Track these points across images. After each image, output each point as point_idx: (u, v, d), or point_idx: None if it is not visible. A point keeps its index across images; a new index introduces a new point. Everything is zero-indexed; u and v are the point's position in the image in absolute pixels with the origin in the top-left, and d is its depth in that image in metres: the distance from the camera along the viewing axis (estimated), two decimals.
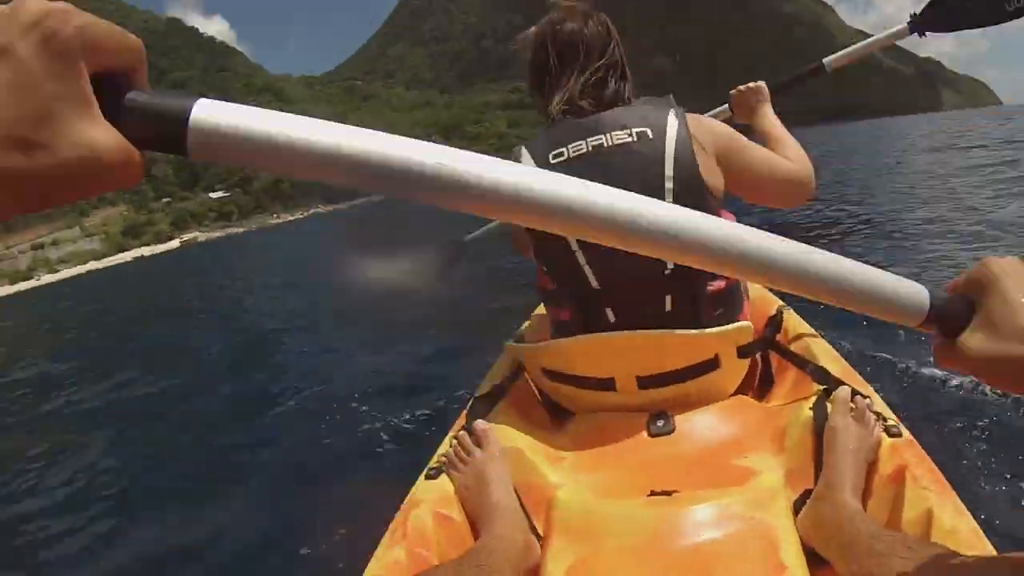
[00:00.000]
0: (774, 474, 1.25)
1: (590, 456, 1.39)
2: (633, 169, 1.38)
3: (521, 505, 1.29)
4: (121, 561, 2.83)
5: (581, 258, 1.43)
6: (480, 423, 1.43)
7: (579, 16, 1.53)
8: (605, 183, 1.01)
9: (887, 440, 1.25)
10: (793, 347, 1.72)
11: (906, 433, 1.27)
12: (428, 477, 1.37)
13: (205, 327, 9.64)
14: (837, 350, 1.68)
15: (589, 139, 1.42)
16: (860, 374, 1.51)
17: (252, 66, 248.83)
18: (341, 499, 2.77)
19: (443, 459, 1.41)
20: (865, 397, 1.34)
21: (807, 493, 1.19)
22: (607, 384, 1.47)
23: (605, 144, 1.41)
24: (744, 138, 1.53)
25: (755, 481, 1.23)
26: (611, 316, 1.46)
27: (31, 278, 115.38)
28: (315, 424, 3.81)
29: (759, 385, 1.71)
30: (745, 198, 1.56)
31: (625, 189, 1.02)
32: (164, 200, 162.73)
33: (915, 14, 2.05)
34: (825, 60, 2.22)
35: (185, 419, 4.83)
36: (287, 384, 4.90)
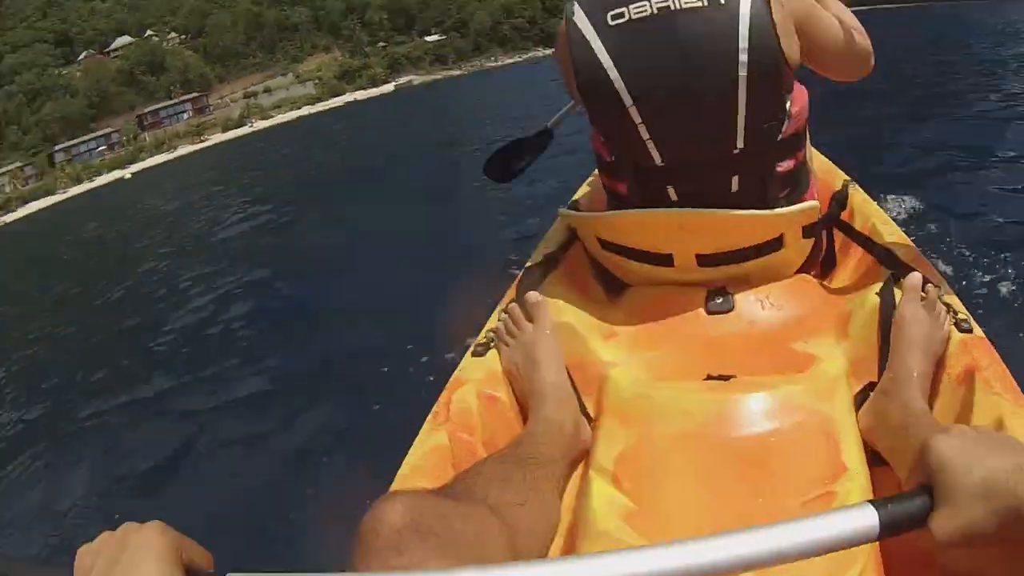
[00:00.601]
0: (836, 362, 1.20)
1: (645, 332, 1.34)
2: (703, 38, 1.27)
3: (572, 384, 1.24)
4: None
5: (644, 132, 1.35)
6: (532, 295, 1.36)
7: None
8: (672, 52, 1.17)
9: (957, 335, 1.17)
10: (858, 225, 1.66)
11: (977, 329, 1.20)
12: (475, 354, 1.33)
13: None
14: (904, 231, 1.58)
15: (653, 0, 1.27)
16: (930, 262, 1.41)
17: None
18: (381, 380, 2.87)
19: (491, 334, 1.36)
20: (936, 285, 1.26)
21: (871, 386, 1.14)
22: (665, 259, 1.41)
23: (672, 6, 1.27)
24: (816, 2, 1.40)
25: (816, 369, 1.18)
26: (673, 194, 1.40)
27: (243, 125, 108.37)
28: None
29: (822, 264, 1.62)
30: (810, 66, 1.46)
31: (695, 59, 1.17)
32: (379, 44, 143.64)
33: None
34: None
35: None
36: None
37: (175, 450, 3.34)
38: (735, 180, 1.36)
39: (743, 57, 1.24)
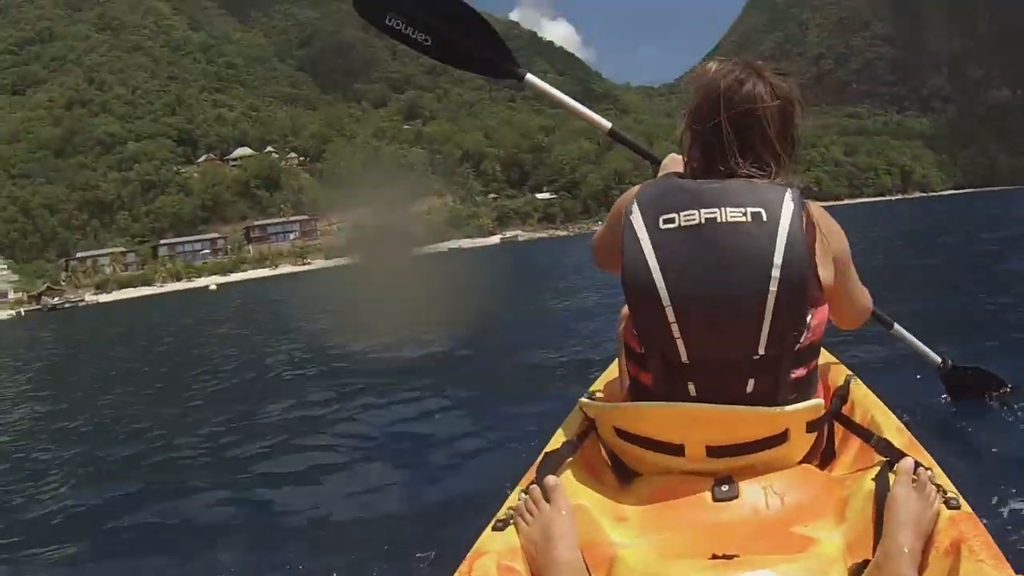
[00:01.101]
0: (834, 543, 1.28)
1: (654, 516, 1.40)
2: (742, 250, 1.37)
3: (584, 563, 1.31)
4: None
5: (676, 330, 1.43)
6: (551, 478, 1.44)
7: (761, 78, 1.47)
8: (712, 259, 1.35)
9: (946, 512, 1.27)
10: (858, 418, 1.78)
11: (965, 506, 1.30)
12: (495, 528, 1.40)
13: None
14: (902, 419, 1.75)
15: (702, 210, 1.40)
16: (922, 443, 1.58)
17: (591, 73, 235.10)
18: (412, 545, 2.79)
19: (511, 511, 1.43)
20: (927, 469, 1.36)
21: (865, 563, 1.22)
22: (677, 450, 1.48)
23: (719, 219, 1.38)
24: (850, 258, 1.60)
25: (815, 549, 1.25)
26: (692, 390, 1.47)
27: (344, 256, 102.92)
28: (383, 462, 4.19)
29: (823, 454, 1.71)
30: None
31: (732, 268, 1.34)
32: (490, 196, 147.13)
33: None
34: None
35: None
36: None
37: None
38: (751, 383, 1.43)
39: (775, 273, 1.34)
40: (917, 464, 1.35)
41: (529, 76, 2.62)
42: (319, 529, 3.31)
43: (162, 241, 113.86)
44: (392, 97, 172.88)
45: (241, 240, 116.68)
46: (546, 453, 1.63)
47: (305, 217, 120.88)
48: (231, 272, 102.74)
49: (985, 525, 1.24)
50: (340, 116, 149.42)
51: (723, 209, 1.38)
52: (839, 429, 1.75)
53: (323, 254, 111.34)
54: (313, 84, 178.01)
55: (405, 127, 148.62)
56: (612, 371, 2.24)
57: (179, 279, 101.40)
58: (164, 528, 3.68)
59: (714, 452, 1.44)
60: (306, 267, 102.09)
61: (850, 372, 2.06)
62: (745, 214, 1.38)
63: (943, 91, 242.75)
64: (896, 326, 2.72)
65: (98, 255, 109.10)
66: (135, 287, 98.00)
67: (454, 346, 8.00)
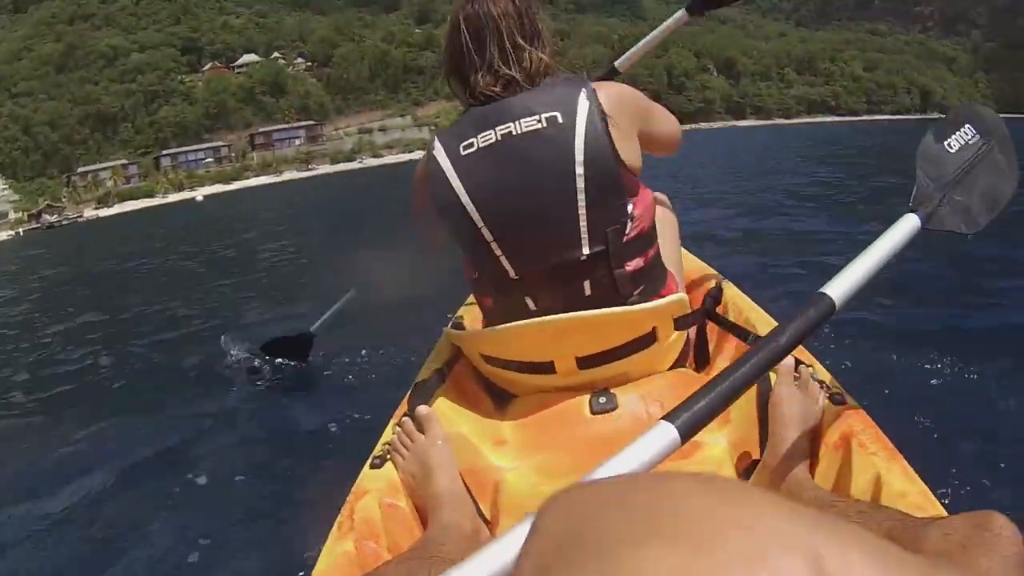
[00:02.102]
0: (720, 445, 1.27)
1: (534, 437, 1.39)
2: (543, 158, 1.39)
3: (468, 490, 1.31)
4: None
5: (497, 249, 1.44)
6: (422, 408, 1.42)
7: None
8: (514, 171, 1.38)
9: (832, 408, 1.27)
10: (732, 318, 1.75)
11: (851, 400, 1.29)
12: (373, 466, 1.39)
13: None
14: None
15: (498, 128, 1.41)
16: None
17: None
18: (286, 495, 2.76)
19: (387, 447, 1.42)
20: (808, 366, 1.36)
21: (754, 464, 1.23)
22: (547, 368, 1.47)
23: (514, 131, 1.40)
24: (647, 99, 1.62)
25: (701, 453, 1.24)
26: (531, 304, 1.48)
27: (353, 160, 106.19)
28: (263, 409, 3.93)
29: (699, 359, 1.69)
30: (644, 150, 1.61)
31: (535, 175, 1.37)
32: None
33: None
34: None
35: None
36: None
37: None
38: (587, 284, 1.44)
39: (579, 169, 1.36)
40: (798, 362, 1.33)
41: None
42: (193, 490, 3.07)
43: (164, 152, 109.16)
44: (403, 0, 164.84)
45: (245, 147, 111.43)
46: (416, 384, 1.61)
47: (311, 122, 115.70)
48: (234, 180, 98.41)
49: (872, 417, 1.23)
50: (349, 21, 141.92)
51: (517, 122, 1.39)
52: (713, 333, 1.72)
53: (328, 159, 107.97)
54: None
55: (416, 31, 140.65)
56: (474, 299, 2.19)
57: (181, 189, 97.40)
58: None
59: (584, 363, 1.43)
60: (310, 172, 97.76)
61: (720, 275, 2.03)
62: (540, 120, 1.38)
63: (969, 14, 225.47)
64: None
65: (99, 169, 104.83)
66: (137, 199, 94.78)
67: None
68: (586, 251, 1.40)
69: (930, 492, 1.00)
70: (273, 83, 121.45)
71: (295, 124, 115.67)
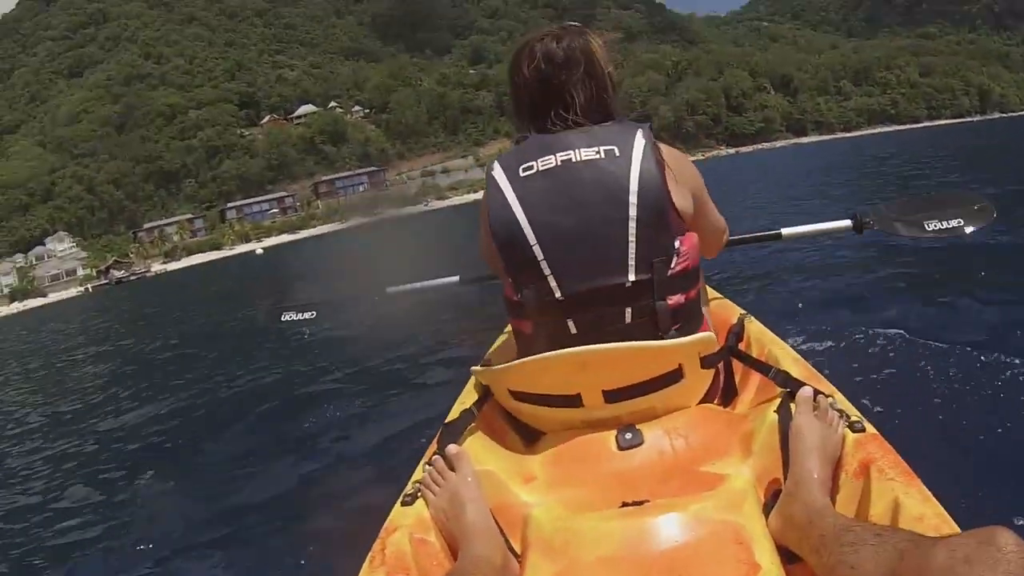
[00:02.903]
0: (743, 477, 1.29)
1: (562, 473, 1.41)
2: (599, 184, 1.45)
3: (497, 525, 1.33)
4: None
5: (546, 268, 1.48)
6: (452, 447, 1.45)
7: (557, 36, 1.59)
8: (571, 195, 1.45)
9: (851, 436, 1.29)
10: (755, 353, 1.79)
11: (870, 428, 1.32)
12: (404, 503, 1.41)
13: None
14: (799, 354, 1.76)
15: (558, 153, 1.48)
16: (822, 375, 1.59)
17: (655, 5, 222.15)
18: (321, 531, 2.85)
19: (418, 484, 1.45)
20: (828, 396, 1.39)
21: (777, 493, 1.24)
22: (573, 401, 1.49)
23: (574, 159, 1.47)
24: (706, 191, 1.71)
25: (725, 485, 1.26)
26: (572, 328, 1.50)
27: (418, 203, 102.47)
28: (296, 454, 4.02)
29: (723, 393, 1.72)
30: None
31: (590, 201, 1.44)
32: None
33: (856, 215, 2.64)
34: (783, 231, 2.70)
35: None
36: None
37: None
38: (628, 312, 1.47)
39: (632, 199, 1.41)
40: (817, 392, 1.37)
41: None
42: (223, 525, 3.33)
43: (229, 204, 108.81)
44: (455, 43, 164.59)
45: (310, 196, 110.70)
46: (445, 424, 1.63)
47: (373, 168, 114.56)
48: (299, 230, 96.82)
49: (892, 445, 1.26)
50: (403, 66, 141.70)
51: (577, 150, 1.47)
52: (737, 368, 1.75)
53: (395, 204, 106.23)
54: (374, 37, 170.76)
55: (471, 72, 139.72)
56: (504, 338, 2.28)
57: (247, 240, 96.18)
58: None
59: (611, 396, 1.45)
60: (376, 217, 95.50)
61: (743, 311, 2.10)
62: (599, 152, 1.46)
63: (1016, 7, 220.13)
64: (786, 230, 2.71)
65: (165, 224, 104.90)
66: (204, 252, 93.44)
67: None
68: (632, 278, 1.44)
69: (946, 513, 1.02)
70: (332, 131, 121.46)
71: (357, 171, 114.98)
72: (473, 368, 1.73)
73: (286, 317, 2.79)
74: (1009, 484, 2.21)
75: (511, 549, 1.29)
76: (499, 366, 1.59)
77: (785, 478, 1.24)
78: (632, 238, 1.42)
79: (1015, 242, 5.89)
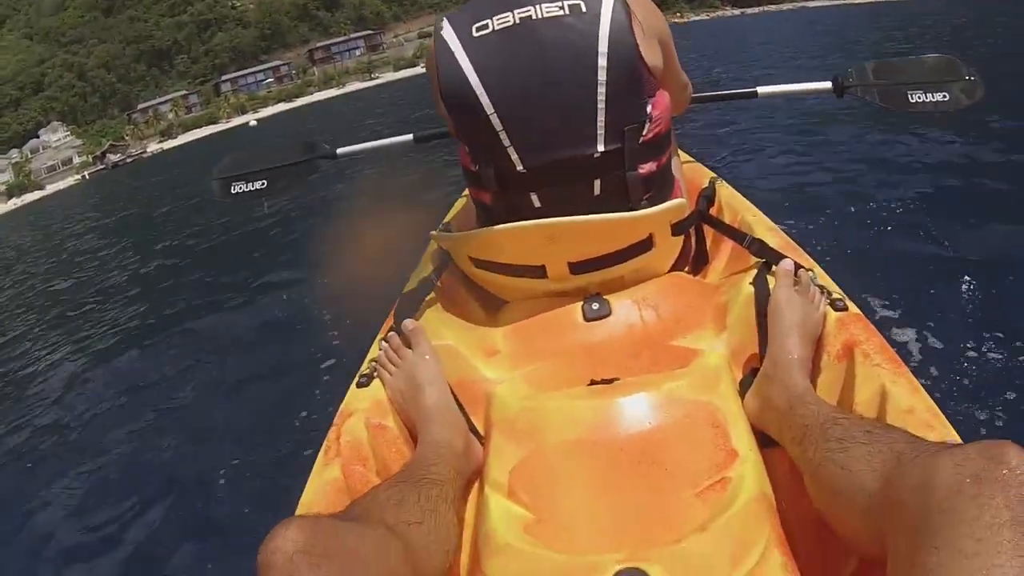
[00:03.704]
0: (717, 353, 1.23)
1: (525, 346, 1.34)
2: (563, 43, 1.29)
3: (458, 404, 1.27)
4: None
5: (505, 138, 1.34)
6: (408, 322, 1.37)
7: None
8: (532, 58, 1.29)
9: (833, 314, 1.22)
10: (727, 220, 1.70)
11: (852, 307, 1.25)
12: (359, 385, 1.35)
13: None
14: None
15: (516, 10, 1.30)
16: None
17: None
18: (279, 424, 2.76)
19: (374, 364, 1.37)
20: (808, 269, 1.31)
21: (753, 372, 1.18)
22: (538, 271, 1.41)
23: (534, 15, 1.30)
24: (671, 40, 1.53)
25: (698, 362, 1.20)
26: (536, 201, 1.39)
27: (415, 65, 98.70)
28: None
29: (694, 261, 1.64)
30: None
31: (555, 64, 1.29)
32: None
33: (837, 77, 2.38)
34: (759, 88, 2.51)
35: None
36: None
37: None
38: (597, 184, 1.36)
39: (602, 61, 1.27)
40: (797, 265, 1.29)
41: None
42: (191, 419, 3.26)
43: (223, 77, 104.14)
44: None
45: (305, 64, 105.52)
46: (402, 295, 1.55)
47: (369, 32, 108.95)
48: (296, 98, 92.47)
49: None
50: None
51: (538, 6, 1.29)
52: (708, 234, 1.66)
53: (391, 67, 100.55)
54: None
55: None
56: (464, 202, 2.18)
57: (243, 112, 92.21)
58: None
59: (578, 268, 1.37)
60: (375, 81, 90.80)
61: (714, 174, 1.99)
62: (562, 7, 1.28)
63: None
64: (762, 88, 2.54)
65: (159, 103, 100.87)
66: (201, 127, 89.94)
67: None
68: (601, 148, 1.31)
69: (936, 408, 0.95)
70: None
71: (353, 35, 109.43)
72: (432, 233, 1.63)
73: (235, 189, 2.57)
74: (1008, 391, 2.03)
75: (473, 430, 1.22)
76: (460, 233, 1.50)
77: (762, 356, 1.17)
78: (602, 105, 1.28)
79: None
